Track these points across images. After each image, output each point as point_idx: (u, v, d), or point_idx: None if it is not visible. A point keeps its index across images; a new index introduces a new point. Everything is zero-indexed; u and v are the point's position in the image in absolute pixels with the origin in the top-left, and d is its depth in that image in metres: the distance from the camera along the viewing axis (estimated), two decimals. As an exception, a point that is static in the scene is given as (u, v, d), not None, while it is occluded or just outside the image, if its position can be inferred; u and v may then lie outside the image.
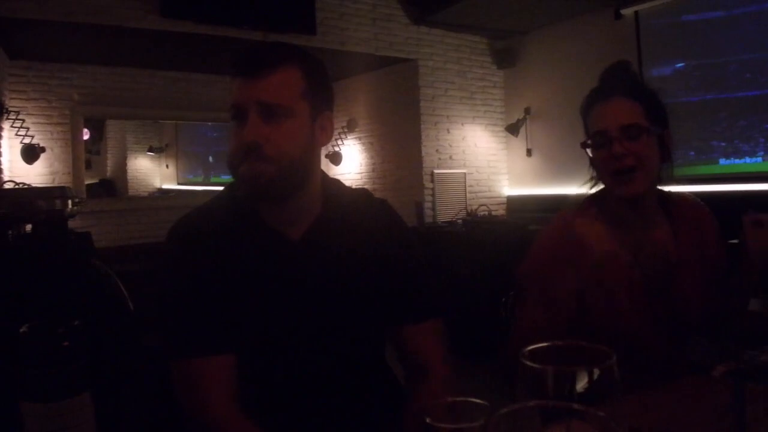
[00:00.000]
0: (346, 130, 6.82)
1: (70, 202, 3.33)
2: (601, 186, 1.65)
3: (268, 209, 1.35)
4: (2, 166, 4.95)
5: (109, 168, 6.85)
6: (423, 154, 6.09)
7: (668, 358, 1.54)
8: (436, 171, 6.13)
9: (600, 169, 1.59)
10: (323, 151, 1.42)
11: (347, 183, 1.52)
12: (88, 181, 5.92)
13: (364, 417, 1.36)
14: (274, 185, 1.27)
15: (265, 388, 1.31)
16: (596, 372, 0.58)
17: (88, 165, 6.15)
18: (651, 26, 5.47)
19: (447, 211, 6.13)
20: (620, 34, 5.52)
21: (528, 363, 0.60)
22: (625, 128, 1.50)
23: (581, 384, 0.59)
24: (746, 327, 1.55)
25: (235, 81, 1.28)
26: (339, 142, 6.88)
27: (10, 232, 3.12)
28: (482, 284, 4.57)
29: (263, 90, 1.25)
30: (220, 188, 1.44)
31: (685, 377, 1.34)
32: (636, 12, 5.47)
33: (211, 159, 7.78)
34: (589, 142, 1.58)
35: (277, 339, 1.30)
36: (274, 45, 1.34)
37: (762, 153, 4.77)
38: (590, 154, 1.60)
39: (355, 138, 6.85)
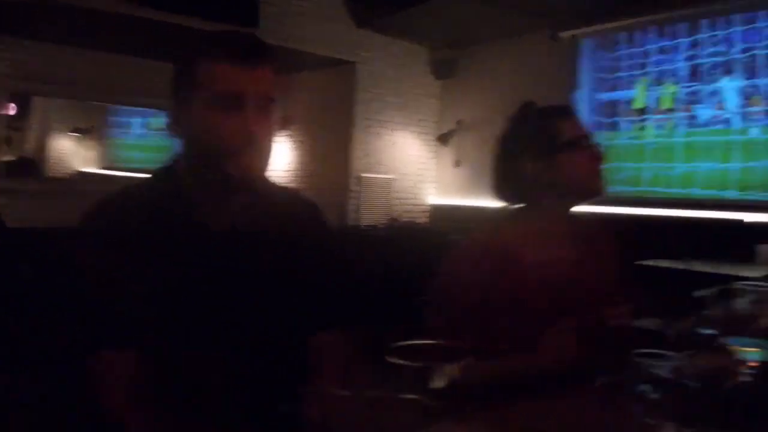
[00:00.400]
0: (279, 127, 6.75)
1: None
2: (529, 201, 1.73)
3: (204, 201, 1.30)
4: None
5: (30, 146, 6.61)
6: (352, 157, 6.13)
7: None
8: (363, 175, 6.18)
9: (582, 169, 1.69)
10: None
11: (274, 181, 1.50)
12: (5, 158, 5.71)
13: (281, 414, 1.36)
14: (261, 178, 1.26)
15: (179, 382, 1.27)
16: (449, 368, 0.62)
17: (9, 141, 5.93)
18: (588, 50, 5.66)
19: (371, 215, 6.17)
20: (557, 56, 5.69)
21: (390, 360, 0.63)
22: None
23: (438, 379, 0.62)
24: (630, 339, 1.62)
25: (226, 68, 1.22)
26: (270, 138, 6.81)
27: None
28: (399, 289, 4.60)
29: (262, 81, 1.23)
30: (144, 175, 1.39)
31: (572, 386, 1.39)
32: (573, 35, 5.64)
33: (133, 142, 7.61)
34: (570, 144, 1.68)
35: (194, 333, 1.26)
36: (254, 36, 1.29)
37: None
38: (559, 161, 1.67)
39: (287, 136, 6.82)
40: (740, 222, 4.46)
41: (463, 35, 6.11)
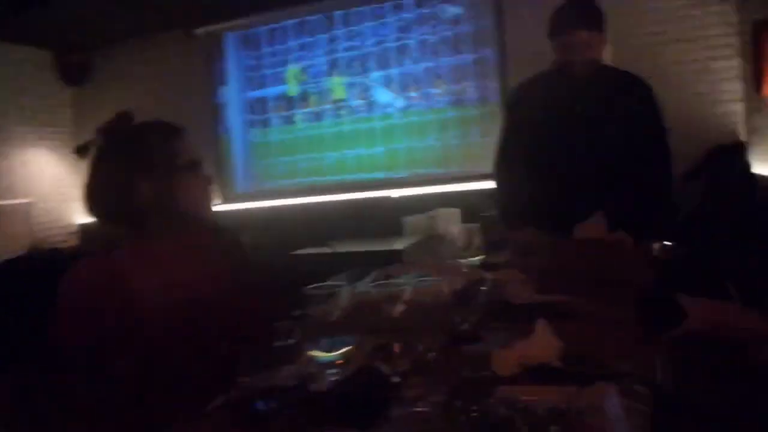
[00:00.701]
0: None
1: None
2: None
3: None
4: None
5: None
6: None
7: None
8: (-10, 203, 5.44)
9: (195, 193, 1.60)
10: None
11: None
12: None
13: None
14: None
15: None
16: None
17: None
18: (232, 48, 5.60)
19: (6, 247, 5.40)
20: (196, 54, 5.57)
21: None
22: None
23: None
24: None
25: None
26: None
27: None
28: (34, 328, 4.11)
29: None
30: None
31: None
32: (210, 32, 5.54)
33: None
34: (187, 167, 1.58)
35: None
36: None
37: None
38: (177, 184, 1.55)
39: None
40: (388, 198, 4.79)
41: (91, 37, 5.69)
